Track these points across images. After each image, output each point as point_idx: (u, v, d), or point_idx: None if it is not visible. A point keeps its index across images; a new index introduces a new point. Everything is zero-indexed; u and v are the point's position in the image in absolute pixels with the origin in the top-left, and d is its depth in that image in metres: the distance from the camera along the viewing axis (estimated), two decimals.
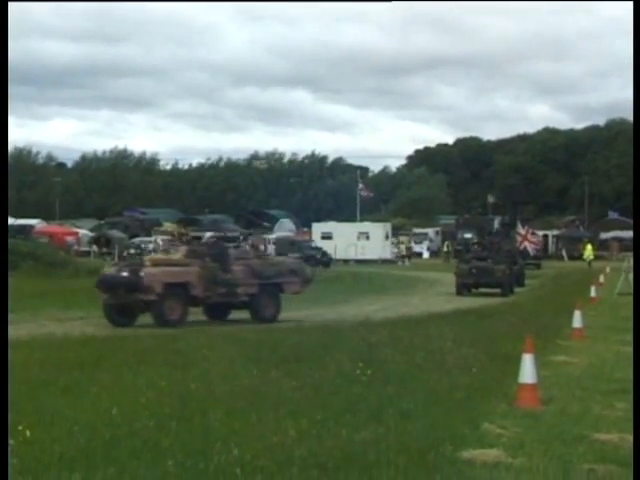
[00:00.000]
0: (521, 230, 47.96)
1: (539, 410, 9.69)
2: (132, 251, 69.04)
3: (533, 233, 48.10)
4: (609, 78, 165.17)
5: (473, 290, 35.26)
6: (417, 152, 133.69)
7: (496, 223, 73.91)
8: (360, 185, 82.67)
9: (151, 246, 74.22)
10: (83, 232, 77.58)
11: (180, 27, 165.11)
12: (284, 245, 59.81)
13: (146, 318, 20.82)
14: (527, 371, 10.10)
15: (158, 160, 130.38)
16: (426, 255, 72.56)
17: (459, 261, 38.84)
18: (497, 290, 34.53)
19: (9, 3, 8.90)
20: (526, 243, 46.41)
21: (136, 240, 77.58)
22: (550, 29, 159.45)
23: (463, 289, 34.83)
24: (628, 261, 34.28)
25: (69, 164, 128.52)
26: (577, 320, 17.77)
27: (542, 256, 64.19)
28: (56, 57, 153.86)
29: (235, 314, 22.85)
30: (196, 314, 22.14)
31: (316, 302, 27.24)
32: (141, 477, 6.48)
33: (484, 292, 34.35)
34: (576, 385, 11.60)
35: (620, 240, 74.29)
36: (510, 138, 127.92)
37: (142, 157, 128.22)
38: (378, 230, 67.90)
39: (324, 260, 56.10)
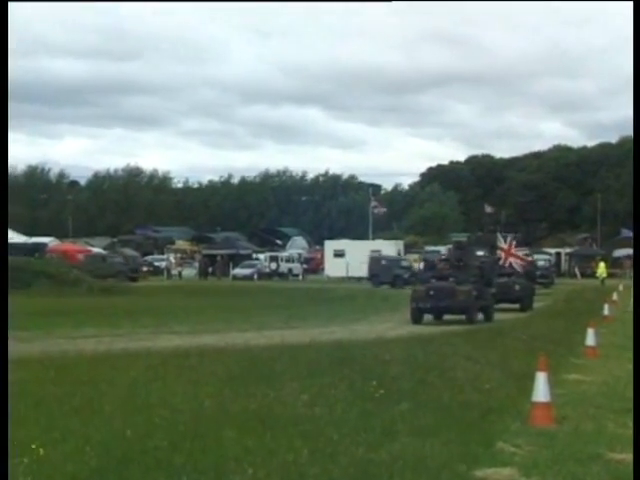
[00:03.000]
0: (502, 244, 41.80)
1: (553, 429, 9.66)
2: (144, 269, 69.34)
3: (519, 246, 42.25)
4: (621, 95, 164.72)
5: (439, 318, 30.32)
6: (429, 169, 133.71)
7: (509, 240, 73.82)
8: (373, 202, 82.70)
9: (164, 264, 74.55)
10: (96, 250, 77.81)
11: (191, 45, 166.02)
12: (376, 263, 59.97)
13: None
14: (541, 389, 10.07)
15: (170, 178, 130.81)
16: None
17: (417, 282, 34.43)
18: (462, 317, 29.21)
19: (9, 3, 8.88)
20: (511, 259, 40.79)
21: (149, 258, 77.86)
22: (562, 46, 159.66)
23: (419, 315, 29.27)
24: None
25: (82, 182, 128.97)
26: (590, 338, 17.73)
27: (551, 274, 63.86)
28: (67, 75, 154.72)
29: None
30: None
31: (330, 320, 27.20)
32: None
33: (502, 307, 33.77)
34: (590, 404, 11.55)
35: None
36: (522, 156, 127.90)
37: (154, 175, 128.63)
38: (390, 248, 67.85)
39: (410, 280, 52.51)
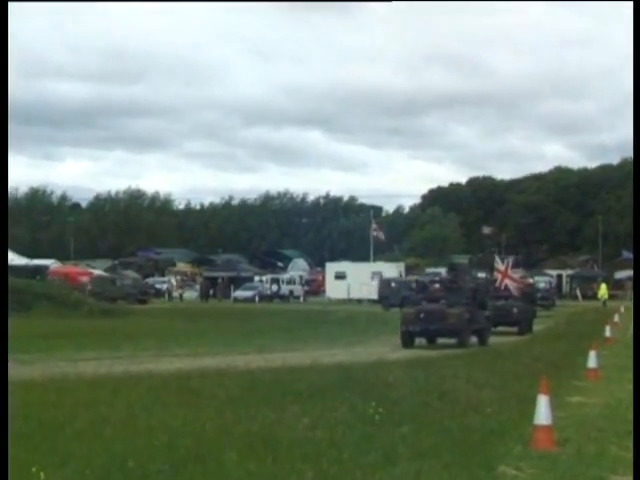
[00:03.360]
0: (499, 265, 40.90)
1: (555, 452, 9.63)
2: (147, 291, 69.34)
3: (516, 268, 41.33)
4: (622, 117, 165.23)
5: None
6: (430, 191, 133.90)
7: (510, 262, 73.76)
8: (373, 226, 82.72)
9: (165, 286, 74.55)
10: (97, 272, 77.83)
11: (193, 67, 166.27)
12: (386, 285, 60.09)
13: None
14: (542, 412, 10.05)
15: (171, 200, 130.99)
16: None
17: (406, 304, 32.64)
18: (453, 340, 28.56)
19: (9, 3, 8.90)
20: (507, 281, 39.51)
21: (150, 280, 77.86)
22: (563, 68, 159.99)
23: (409, 339, 28.39)
24: None
25: (83, 204, 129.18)
26: (592, 360, 17.69)
27: (552, 296, 63.58)
28: (70, 97, 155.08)
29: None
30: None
31: (331, 342, 27.18)
32: None
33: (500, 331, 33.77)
34: (592, 426, 11.52)
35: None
36: (523, 177, 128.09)
37: (155, 197, 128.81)
38: (391, 270, 67.83)
39: None
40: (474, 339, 28.85)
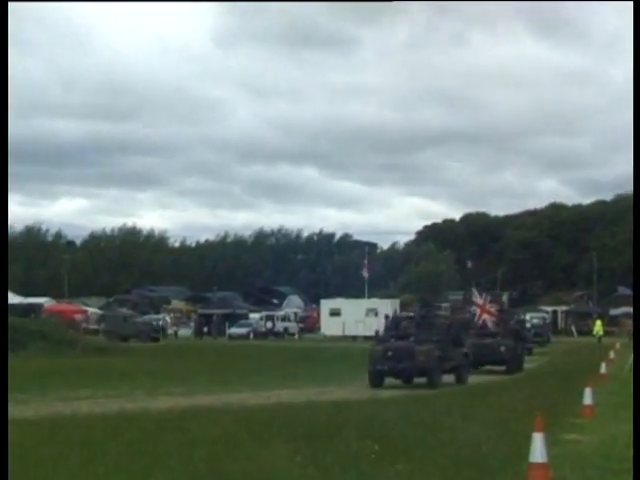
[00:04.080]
0: (478, 299, 39.46)
1: None
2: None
3: (492, 302, 39.49)
4: (617, 153, 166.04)
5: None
6: (425, 228, 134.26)
7: (505, 298, 73.71)
8: (365, 262, 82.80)
9: (160, 323, 74.41)
10: (92, 310, 77.77)
11: (187, 104, 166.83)
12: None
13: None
14: (537, 450, 10.02)
15: (167, 237, 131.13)
16: None
17: (375, 341, 30.27)
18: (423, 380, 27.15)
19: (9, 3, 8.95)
20: (485, 316, 38.25)
21: (145, 317, 77.71)
22: (558, 104, 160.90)
23: (377, 379, 26.92)
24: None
25: (78, 242, 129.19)
26: (587, 397, 17.67)
27: (547, 333, 63.35)
28: (63, 135, 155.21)
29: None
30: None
31: (326, 379, 27.12)
32: None
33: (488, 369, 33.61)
34: (588, 464, 11.50)
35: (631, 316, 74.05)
36: (518, 213, 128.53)
37: (150, 234, 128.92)
38: (386, 306, 67.83)
39: None
40: (450, 378, 27.87)
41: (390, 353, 26.81)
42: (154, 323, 69.62)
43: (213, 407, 17.91)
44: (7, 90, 9.25)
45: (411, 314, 31.87)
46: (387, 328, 29.34)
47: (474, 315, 39.55)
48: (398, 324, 29.85)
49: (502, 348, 34.16)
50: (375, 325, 61.17)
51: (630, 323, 68.49)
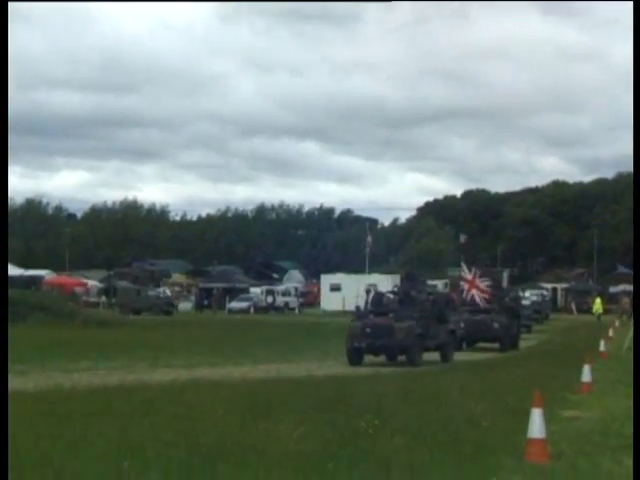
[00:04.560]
0: (467, 275, 38.01)
1: (548, 465, 9.62)
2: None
3: (482, 277, 37.64)
4: (619, 131, 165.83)
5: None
6: (426, 204, 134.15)
7: (505, 275, 73.66)
8: (368, 238, 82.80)
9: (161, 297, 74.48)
10: (92, 283, 77.87)
11: (189, 78, 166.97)
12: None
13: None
14: (536, 426, 10.05)
15: (167, 211, 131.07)
16: None
17: (354, 317, 29.10)
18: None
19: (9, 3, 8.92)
20: (474, 291, 36.76)
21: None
22: (561, 81, 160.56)
23: (356, 356, 26.05)
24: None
25: (79, 215, 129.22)
26: (586, 374, 17.70)
27: (545, 310, 62.96)
28: (64, 108, 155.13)
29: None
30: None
31: (326, 354, 27.20)
32: None
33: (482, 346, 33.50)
34: (585, 440, 11.52)
35: (630, 294, 74.07)
36: (519, 191, 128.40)
37: (151, 208, 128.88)
38: (386, 282, 67.81)
39: None
40: (435, 356, 27.14)
41: (368, 330, 25.97)
42: (161, 296, 69.70)
43: (213, 380, 17.96)
44: (7, 95, 9.18)
45: (395, 289, 30.15)
46: (367, 304, 28.25)
47: (463, 291, 38.18)
48: (380, 300, 28.63)
49: (496, 325, 33.45)
50: None
51: (626, 301, 68.64)
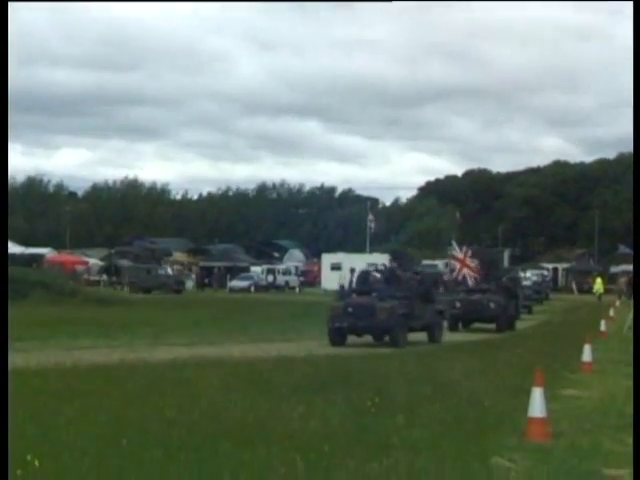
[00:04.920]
0: (458, 253, 37.15)
1: (549, 444, 9.65)
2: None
3: (473, 257, 36.73)
4: (621, 111, 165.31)
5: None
6: (427, 183, 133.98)
7: (506, 255, 73.70)
8: (370, 216, 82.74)
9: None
10: (93, 261, 77.93)
11: (191, 56, 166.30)
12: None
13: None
14: (537, 405, 10.07)
15: (168, 190, 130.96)
16: None
17: (337, 297, 28.41)
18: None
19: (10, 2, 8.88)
20: (465, 270, 35.80)
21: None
22: (563, 61, 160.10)
23: (338, 337, 25.26)
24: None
25: (80, 193, 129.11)
26: (587, 354, 17.74)
27: (545, 290, 62.54)
28: (65, 85, 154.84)
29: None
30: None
31: (325, 334, 27.15)
32: None
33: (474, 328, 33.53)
34: (586, 419, 11.55)
35: (627, 274, 74.08)
36: (520, 171, 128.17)
37: (152, 187, 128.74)
38: (387, 261, 67.84)
39: None
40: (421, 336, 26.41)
41: (350, 309, 25.30)
42: (171, 274, 69.76)
43: (214, 359, 17.98)
44: (7, 91, 9.13)
45: (381, 268, 29.21)
46: (351, 283, 27.66)
47: (454, 270, 37.84)
48: (366, 279, 27.80)
49: (492, 305, 32.72)
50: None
51: (622, 281, 68.73)
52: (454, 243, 41.67)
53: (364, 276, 27.94)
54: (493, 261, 38.97)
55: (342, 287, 28.43)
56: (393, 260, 30.56)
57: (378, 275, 28.15)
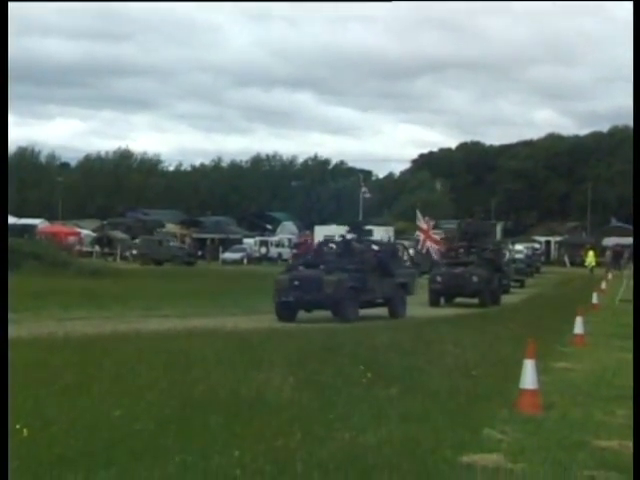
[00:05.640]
0: (422, 224, 35.47)
1: (540, 416, 9.68)
2: (134, 252, 69.38)
3: (436, 229, 35.19)
4: (615, 84, 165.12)
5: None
6: (421, 156, 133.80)
7: (499, 228, 73.64)
8: (363, 188, 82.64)
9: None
10: (85, 232, 77.88)
11: (183, 27, 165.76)
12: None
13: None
14: (528, 377, 10.09)
15: (161, 161, 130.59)
16: None
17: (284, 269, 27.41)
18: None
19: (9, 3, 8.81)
20: (429, 243, 34.39)
21: (138, 241, 77.75)
22: (558, 34, 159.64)
23: (284, 311, 24.12)
24: (629, 268, 33.93)
25: (72, 164, 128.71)
26: (578, 326, 17.76)
27: (535, 263, 62.10)
28: (57, 56, 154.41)
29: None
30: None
31: None
32: (142, 478, 6.46)
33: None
34: (577, 391, 11.58)
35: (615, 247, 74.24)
36: (513, 143, 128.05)
37: (145, 158, 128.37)
38: (380, 234, 67.80)
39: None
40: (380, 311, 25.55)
41: (297, 283, 24.06)
42: (183, 246, 69.70)
43: (206, 330, 17.97)
44: (7, 94, 9.05)
45: (337, 239, 28.06)
46: (295, 255, 27.41)
47: (418, 241, 36.32)
48: (322, 250, 26.62)
49: (474, 278, 31.25)
50: None
51: (608, 254, 68.87)
52: (418, 213, 39.72)
53: (321, 248, 26.87)
54: (486, 234, 38.48)
55: (295, 256, 27.55)
56: (350, 232, 28.52)
57: (333, 247, 27.01)
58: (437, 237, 35.96)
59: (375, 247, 27.69)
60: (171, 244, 67.85)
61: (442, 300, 32.00)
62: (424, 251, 34.66)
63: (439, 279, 31.35)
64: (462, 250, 34.31)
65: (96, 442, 7.44)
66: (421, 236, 35.32)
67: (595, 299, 28.62)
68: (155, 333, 17.07)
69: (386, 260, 26.31)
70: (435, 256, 34.09)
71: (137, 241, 69.74)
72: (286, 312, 23.95)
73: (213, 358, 13.04)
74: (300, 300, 23.94)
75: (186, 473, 6.65)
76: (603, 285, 36.93)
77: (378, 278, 25.32)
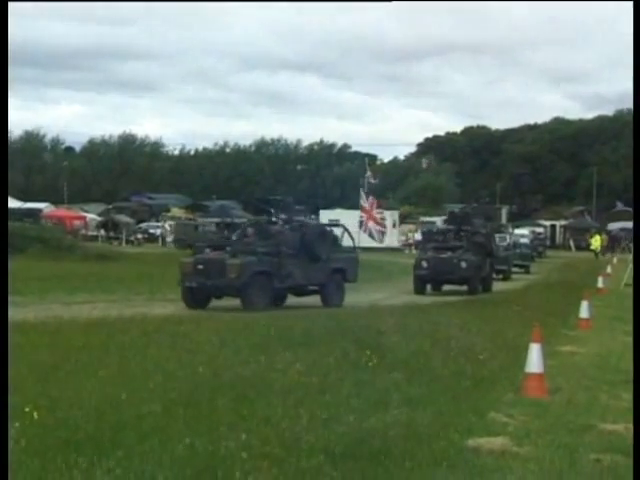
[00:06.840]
0: (365, 204, 33.55)
1: (546, 400, 9.69)
2: (139, 236, 69.41)
3: (379, 209, 32.18)
4: (620, 68, 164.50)
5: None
6: (426, 140, 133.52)
7: (504, 212, 73.37)
8: (368, 173, 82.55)
9: (159, 231, 74.50)
10: (91, 216, 77.89)
11: (188, 10, 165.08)
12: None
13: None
14: (534, 361, 10.10)
15: (166, 145, 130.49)
16: None
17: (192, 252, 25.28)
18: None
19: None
20: (371, 223, 32.42)
21: (143, 225, 77.79)
22: (563, 17, 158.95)
23: (190, 298, 22.29)
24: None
25: (77, 148, 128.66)
26: (584, 310, 17.77)
27: (537, 248, 60.77)
28: (62, 39, 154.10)
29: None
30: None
31: None
32: (150, 461, 6.47)
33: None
34: (583, 375, 11.60)
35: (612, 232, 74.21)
36: (519, 127, 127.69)
37: (149, 142, 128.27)
38: (385, 218, 67.75)
39: None
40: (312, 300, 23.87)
41: (201, 267, 22.17)
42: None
43: (212, 314, 18.00)
44: (7, 87, 9.03)
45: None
46: (218, 235, 25.06)
47: (362, 222, 34.10)
48: (245, 232, 24.64)
49: (463, 264, 29.36)
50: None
51: (604, 238, 68.81)
52: (362, 192, 37.67)
53: (243, 230, 24.81)
54: (491, 218, 37.97)
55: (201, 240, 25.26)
56: (284, 212, 26.75)
57: (249, 230, 24.95)
58: (379, 217, 34.48)
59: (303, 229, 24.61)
60: (207, 229, 68.00)
61: (428, 287, 30.22)
62: (366, 231, 32.24)
63: (424, 264, 29.44)
64: (450, 234, 32.06)
65: (103, 425, 7.46)
66: (364, 216, 33.34)
67: (600, 283, 28.61)
68: (160, 317, 17.10)
69: (313, 243, 23.66)
70: (377, 237, 31.66)
71: (169, 225, 69.79)
72: (192, 298, 22.21)
73: (218, 341, 13.06)
74: (203, 286, 22.02)
75: (193, 456, 6.66)
76: (608, 269, 36.90)
77: (303, 263, 23.20)
